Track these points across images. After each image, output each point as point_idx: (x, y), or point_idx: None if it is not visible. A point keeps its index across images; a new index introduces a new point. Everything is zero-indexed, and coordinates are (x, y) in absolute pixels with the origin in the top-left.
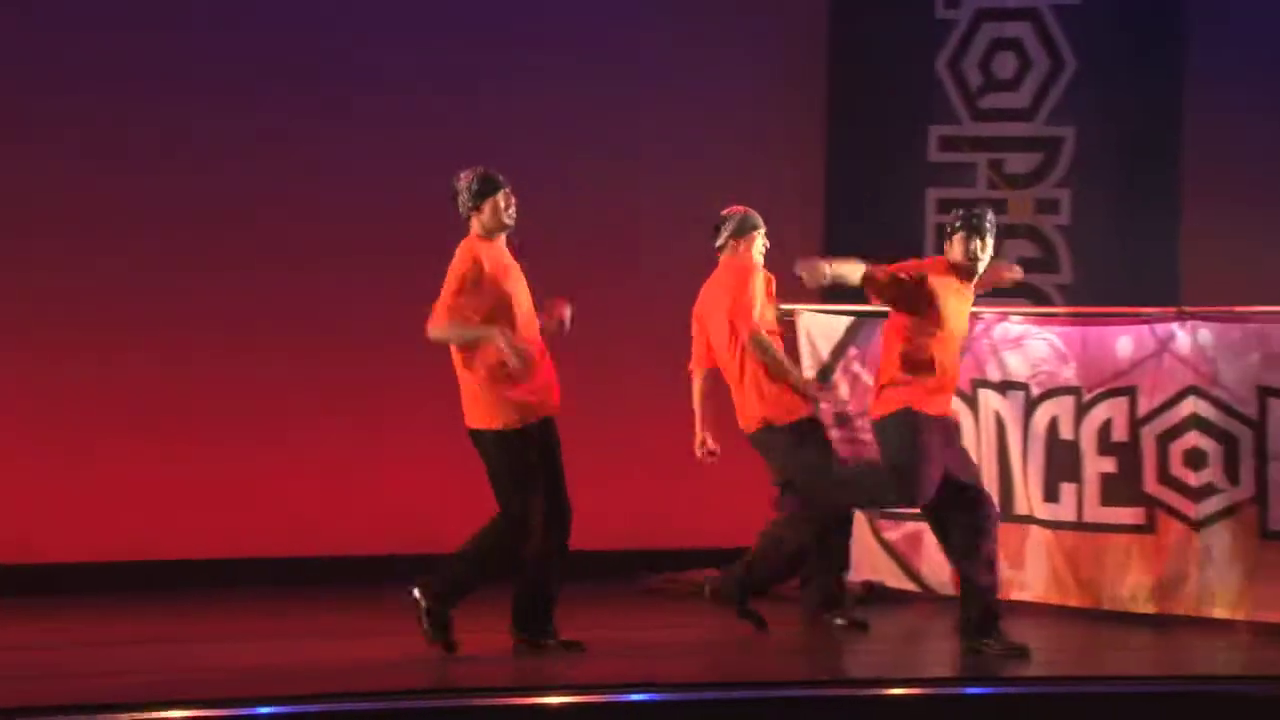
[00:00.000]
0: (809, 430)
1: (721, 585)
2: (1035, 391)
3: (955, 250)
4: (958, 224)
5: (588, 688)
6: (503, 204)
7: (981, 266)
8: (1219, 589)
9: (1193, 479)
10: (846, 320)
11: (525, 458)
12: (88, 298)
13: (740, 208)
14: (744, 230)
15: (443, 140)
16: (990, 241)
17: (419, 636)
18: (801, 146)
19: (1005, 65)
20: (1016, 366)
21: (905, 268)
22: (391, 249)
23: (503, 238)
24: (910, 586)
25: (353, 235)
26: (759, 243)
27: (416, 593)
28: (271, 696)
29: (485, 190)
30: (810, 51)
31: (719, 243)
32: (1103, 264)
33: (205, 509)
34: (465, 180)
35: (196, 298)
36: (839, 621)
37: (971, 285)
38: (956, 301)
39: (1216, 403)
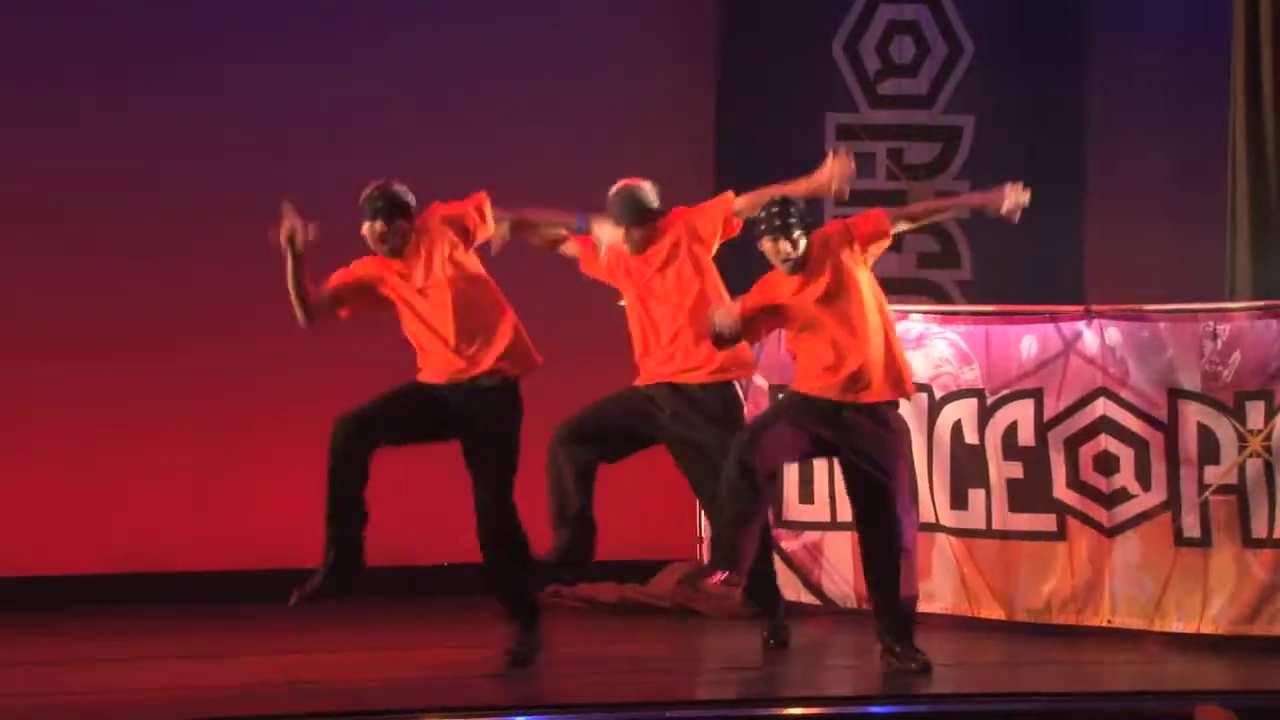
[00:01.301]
0: None
1: None
2: (938, 394)
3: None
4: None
5: (468, 709)
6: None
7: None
8: (1133, 599)
9: (1104, 484)
10: None
11: None
12: None
13: None
14: None
15: (307, 125)
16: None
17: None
18: (690, 139)
19: (903, 49)
20: (918, 367)
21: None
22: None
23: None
24: (810, 600)
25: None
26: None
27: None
28: None
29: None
30: (699, 33)
31: None
32: (1004, 260)
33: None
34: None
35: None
36: (770, 642)
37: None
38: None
39: (1127, 405)
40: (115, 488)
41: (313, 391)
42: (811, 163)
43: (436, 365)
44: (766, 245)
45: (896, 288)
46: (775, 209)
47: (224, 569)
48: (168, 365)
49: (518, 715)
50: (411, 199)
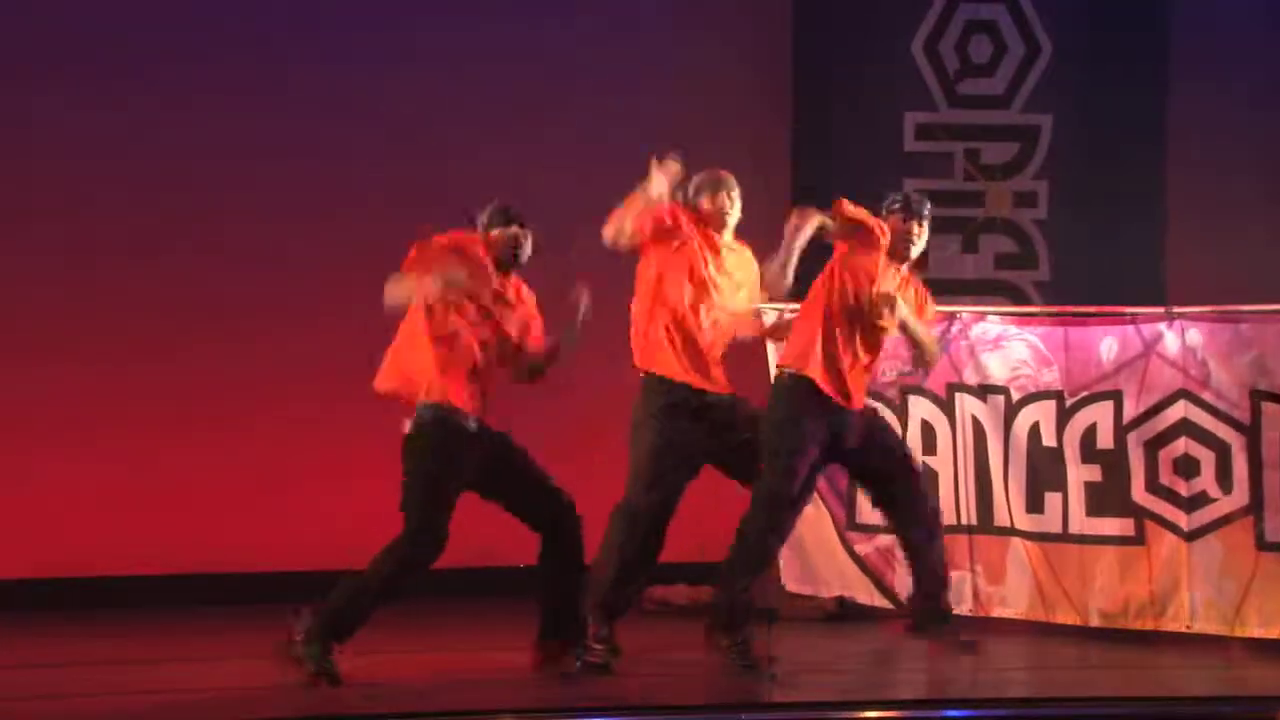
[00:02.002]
0: None
1: None
2: (1015, 396)
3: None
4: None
5: (544, 711)
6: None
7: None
8: (1213, 604)
9: (1184, 488)
10: None
11: None
12: None
13: None
14: None
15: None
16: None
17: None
18: (769, 139)
19: (981, 49)
20: (995, 369)
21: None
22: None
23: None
24: (883, 603)
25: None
26: None
27: None
28: None
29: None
30: (775, 33)
31: None
32: (1083, 260)
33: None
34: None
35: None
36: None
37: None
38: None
39: (1208, 407)
40: (117, 490)
41: (316, 393)
42: (890, 161)
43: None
44: (897, 225)
45: (974, 289)
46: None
47: (231, 571)
48: (174, 367)
49: (586, 716)
50: None
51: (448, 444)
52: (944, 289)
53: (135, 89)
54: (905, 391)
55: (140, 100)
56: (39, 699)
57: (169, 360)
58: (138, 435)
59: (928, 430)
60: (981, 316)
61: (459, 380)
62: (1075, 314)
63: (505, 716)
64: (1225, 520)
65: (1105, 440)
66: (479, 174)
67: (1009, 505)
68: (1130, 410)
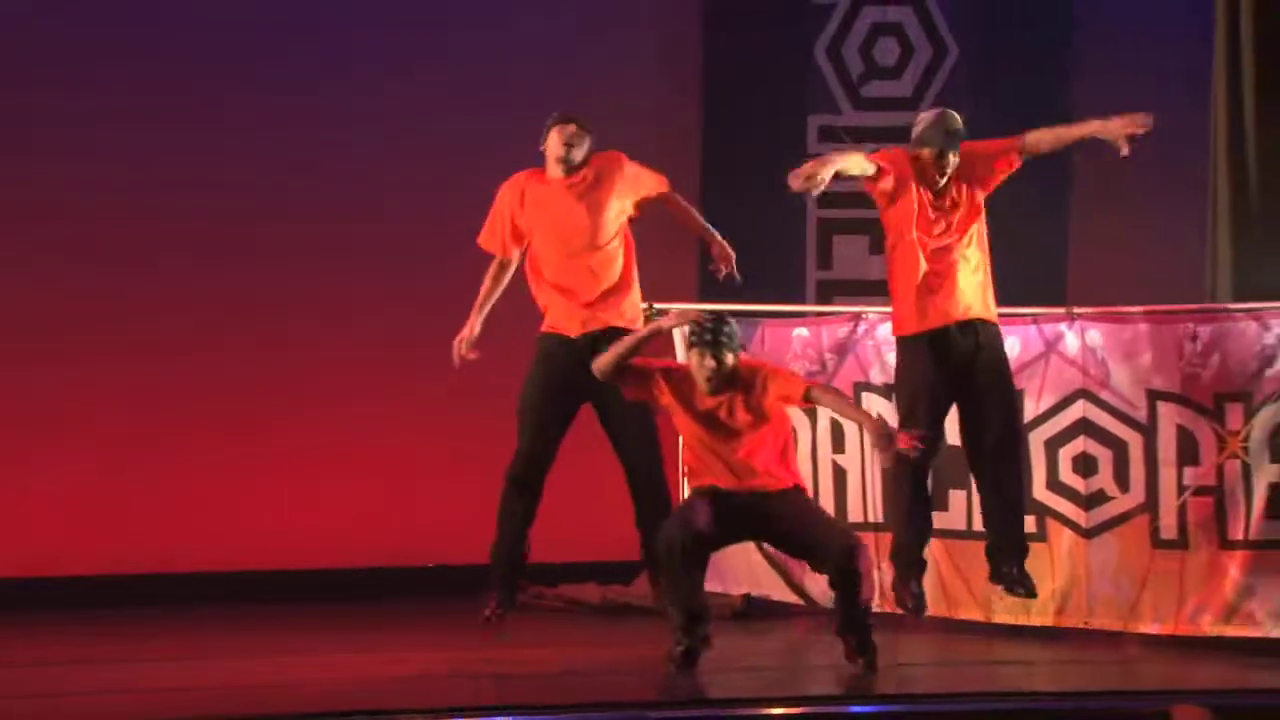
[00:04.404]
0: None
1: None
2: None
3: None
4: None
5: (436, 711)
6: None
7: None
8: (1110, 600)
9: (1083, 486)
10: None
11: None
12: None
13: None
14: None
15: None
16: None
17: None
18: (674, 140)
19: (887, 52)
20: None
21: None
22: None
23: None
24: (793, 599)
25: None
26: None
27: None
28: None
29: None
30: (682, 34)
31: None
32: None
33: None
34: None
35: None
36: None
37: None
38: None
39: (1106, 407)
40: (116, 489)
41: (316, 393)
42: (794, 164)
43: None
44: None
45: (880, 290)
46: (710, 323)
47: (230, 571)
48: (175, 367)
49: (495, 716)
50: None
51: None
52: (851, 290)
53: (139, 89)
54: None
55: (144, 100)
56: (39, 699)
57: (168, 360)
58: (137, 435)
59: (836, 429)
60: (887, 317)
61: None
62: None
63: (504, 715)
64: (1122, 518)
65: None
66: (479, 174)
67: None
68: (1031, 410)
